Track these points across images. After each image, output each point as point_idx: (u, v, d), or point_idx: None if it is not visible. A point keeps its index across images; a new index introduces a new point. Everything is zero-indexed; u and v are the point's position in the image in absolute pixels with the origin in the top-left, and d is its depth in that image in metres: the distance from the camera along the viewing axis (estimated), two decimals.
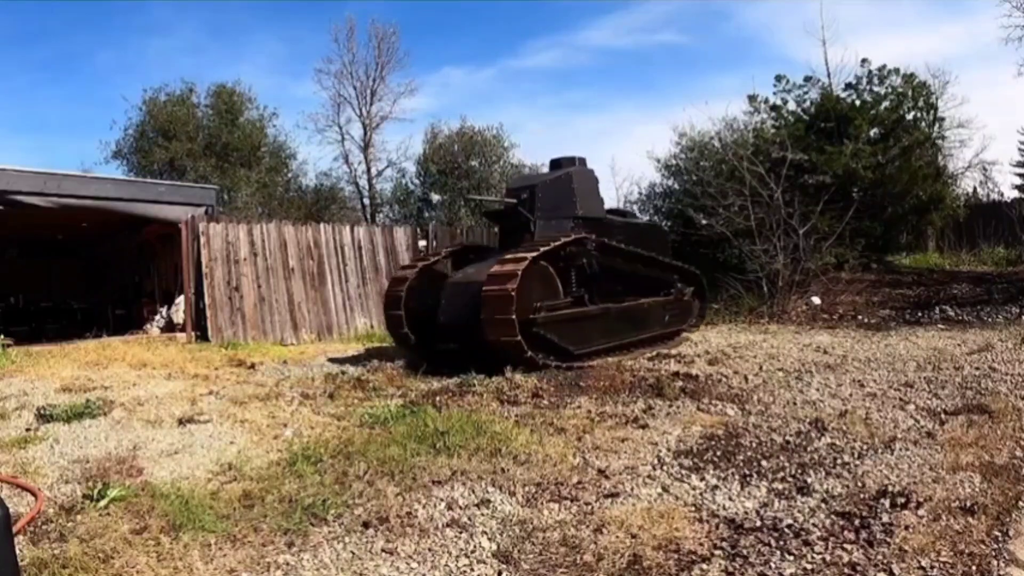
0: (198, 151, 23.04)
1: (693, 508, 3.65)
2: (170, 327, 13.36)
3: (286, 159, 26.10)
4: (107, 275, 19.09)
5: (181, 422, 5.58)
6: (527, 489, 3.95)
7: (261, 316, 12.92)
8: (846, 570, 2.92)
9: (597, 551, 3.15)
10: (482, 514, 3.64)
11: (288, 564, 3.12)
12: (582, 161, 9.82)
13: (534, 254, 7.77)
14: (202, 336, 12.43)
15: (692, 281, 10.59)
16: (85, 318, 16.75)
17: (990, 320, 10.95)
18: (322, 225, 14.61)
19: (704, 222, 15.73)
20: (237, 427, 5.49)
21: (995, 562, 2.96)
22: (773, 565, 2.99)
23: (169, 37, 40.57)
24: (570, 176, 9.25)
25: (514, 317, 7.26)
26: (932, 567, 2.91)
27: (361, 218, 25.69)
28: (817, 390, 6.38)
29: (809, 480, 3.99)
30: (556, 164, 9.74)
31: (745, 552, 3.11)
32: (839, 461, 4.30)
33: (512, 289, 7.24)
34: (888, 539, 3.16)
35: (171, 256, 14.14)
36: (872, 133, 16.80)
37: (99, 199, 12.64)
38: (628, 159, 58.55)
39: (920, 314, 11.90)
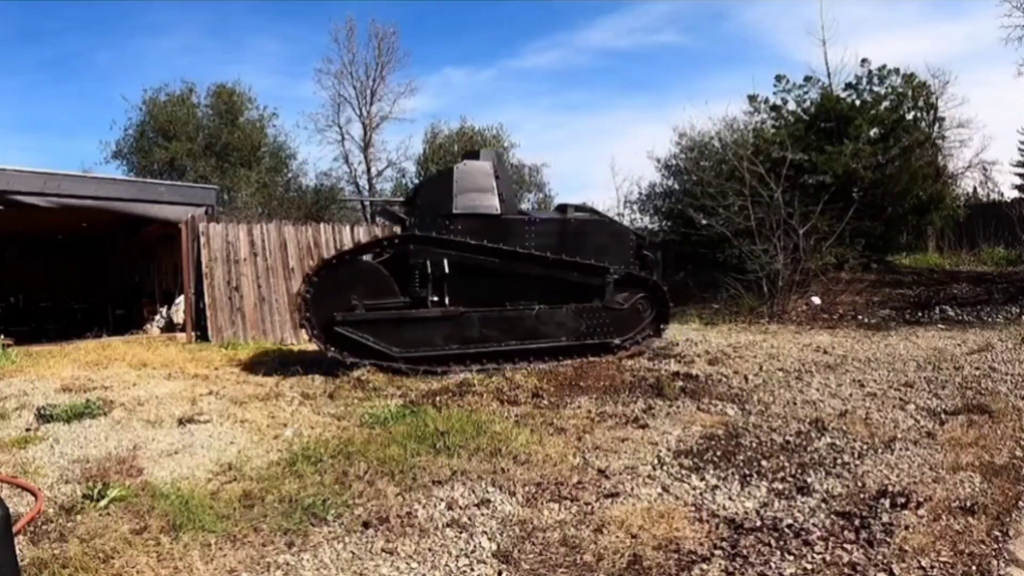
0: (198, 151, 23.06)
1: (693, 508, 3.65)
2: (170, 327, 13.36)
3: (286, 159, 26.14)
4: (107, 275, 19.09)
5: (181, 422, 5.58)
6: (527, 489, 3.95)
7: (261, 316, 12.92)
8: (846, 570, 2.92)
9: (597, 551, 3.15)
10: (482, 514, 3.64)
11: (288, 564, 3.12)
12: (499, 157, 9.39)
13: (334, 256, 8.06)
14: (202, 336, 12.43)
15: (643, 288, 9.09)
16: (85, 318, 16.74)
17: (990, 320, 10.95)
18: (322, 225, 14.61)
19: (704, 222, 15.72)
20: (237, 427, 5.49)
21: (995, 562, 2.96)
22: (773, 565, 2.99)
23: (169, 37, 40.66)
24: (450, 173, 8.92)
25: (309, 315, 7.60)
26: (932, 567, 2.91)
27: (361, 218, 25.71)
28: (817, 390, 6.38)
29: (809, 480, 3.99)
30: (470, 156, 9.30)
31: (745, 552, 3.11)
32: (839, 461, 4.31)
33: (304, 291, 7.67)
34: (888, 539, 3.16)
35: (171, 256, 14.13)
36: (872, 133, 16.79)
37: (99, 199, 12.63)
38: (628, 159, 58.64)
39: (920, 314, 11.90)
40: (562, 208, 9.62)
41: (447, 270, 8.10)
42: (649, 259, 9.61)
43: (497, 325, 8.26)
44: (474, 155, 9.21)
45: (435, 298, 8.11)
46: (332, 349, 7.65)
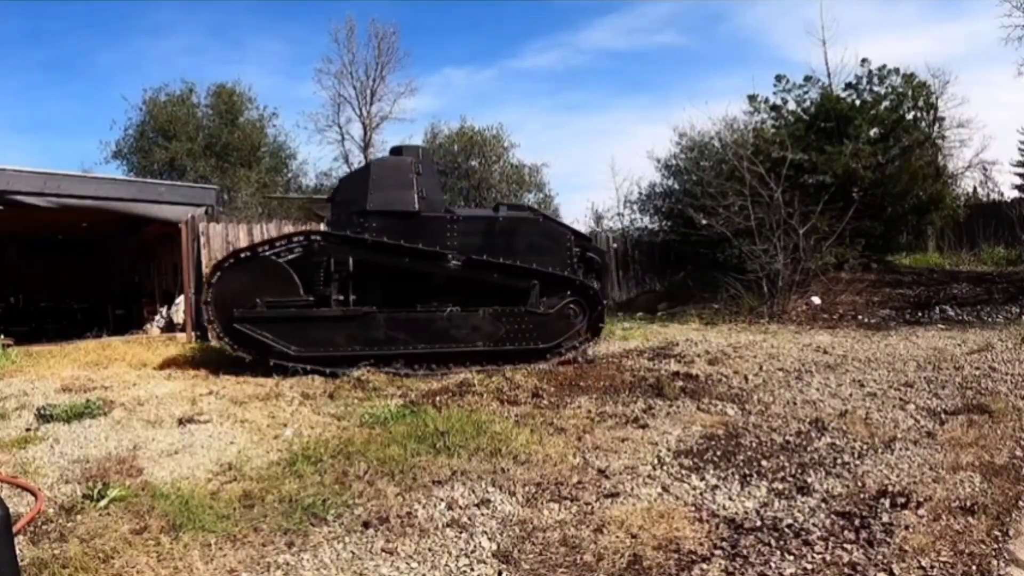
0: (198, 151, 23.06)
1: (693, 508, 3.65)
2: (170, 327, 13.35)
3: (286, 159, 26.14)
4: (107, 275, 19.09)
5: (181, 422, 5.58)
6: (527, 489, 3.95)
7: None
8: (846, 570, 2.92)
9: (597, 551, 3.15)
10: (482, 514, 3.64)
11: (288, 564, 3.12)
12: (426, 153, 9.21)
13: (233, 254, 8.15)
14: (202, 336, 12.42)
15: (575, 291, 8.47)
16: (85, 318, 16.73)
17: (990, 320, 10.95)
18: (322, 225, 14.59)
19: (704, 222, 15.72)
20: (237, 427, 5.49)
21: (995, 562, 2.96)
22: (773, 565, 2.99)
23: (169, 37, 40.69)
24: (367, 170, 8.78)
25: (211, 316, 7.81)
26: (932, 567, 2.91)
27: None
28: (817, 390, 6.39)
29: (809, 480, 3.99)
30: (394, 152, 9.12)
31: (745, 552, 3.11)
32: (839, 461, 4.31)
33: (207, 290, 7.85)
34: (888, 539, 3.16)
35: (171, 256, 14.13)
36: (872, 133, 16.78)
37: (99, 199, 12.63)
38: (628, 159, 58.67)
39: (920, 314, 11.91)
40: (496, 207, 9.33)
41: (351, 269, 7.94)
42: (595, 262, 9.14)
43: (405, 327, 7.94)
44: (399, 151, 8.97)
45: (340, 297, 7.94)
46: (235, 347, 7.72)
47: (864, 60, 17.17)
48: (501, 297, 8.26)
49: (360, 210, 8.27)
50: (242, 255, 8.10)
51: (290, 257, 8.17)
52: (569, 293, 8.46)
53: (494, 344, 8.11)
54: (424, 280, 8.15)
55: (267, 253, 8.09)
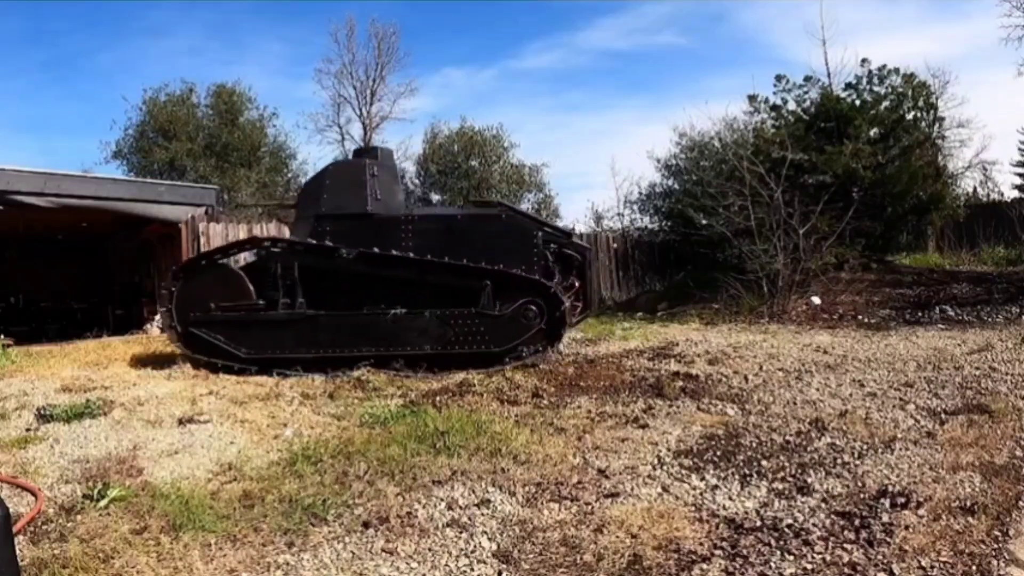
0: (198, 151, 23.07)
1: (693, 508, 3.65)
2: None
3: (286, 159, 26.16)
4: (107, 275, 19.08)
5: (181, 422, 5.57)
6: (527, 489, 3.95)
7: None
8: (846, 570, 2.92)
9: (597, 551, 3.15)
10: (482, 514, 3.64)
11: (288, 564, 3.12)
12: (386, 154, 9.20)
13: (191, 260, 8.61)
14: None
15: (534, 292, 8.00)
16: (85, 318, 16.74)
17: (990, 320, 10.95)
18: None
19: (704, 222, 15.72)
20: (237, 427, 5.49)
21: (995, 562, 2.96)
22: (773, 565, 2.99)
23: (169, 37, 40.72)
24: (324, 173, 8.86)
25: (172, 320, 8.11)
26: (932, 567, 2.91)
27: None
28: (817, 390, 6.38)
29: (809, 480, 3.99)
30: (356, 154, 9.21)
31: (745, 552, 3.11)
32: (839, 461, 4.30)
33: (167, 295, 8.17)
34: (888, 539, 3.16)
35: (171, 256, 14.11)
36: (872, 133, 16.78)
37: (99, 199, 12.64)
38: (628, 159, 58.69)
39: (920, 314, 11.90)
40: (463, 205, 9.28)
41: (297, 273, 8.07)
42: (575, 260, 8.87)
43: (350, 330, 7.95)
44: (359, 153, 9.07)
45: (287, 300, 8.06)
46: (189, 350, 8.03)
47: (864, 60, 17.17)
48: (455, 299, 8.03)
49: (316, 214, 8.42)
50: (201, 262, 8.52)
51: (248, 263, 8.62)
52: (527, 294, 8.04)
53: (442, 347, 7.93)
54: (377, 283, 8.08)
55: (222, 260, 8.46)
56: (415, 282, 8.04)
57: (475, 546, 3.27)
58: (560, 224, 16.06)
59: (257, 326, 8.01)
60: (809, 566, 2.97)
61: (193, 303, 8.03)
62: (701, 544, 3.21)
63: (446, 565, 3.10)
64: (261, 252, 8.45)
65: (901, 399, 5.89)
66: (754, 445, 4.73)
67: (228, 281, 8.14)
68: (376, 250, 8.05)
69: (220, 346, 7.90)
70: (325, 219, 8.31)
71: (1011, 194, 21.60)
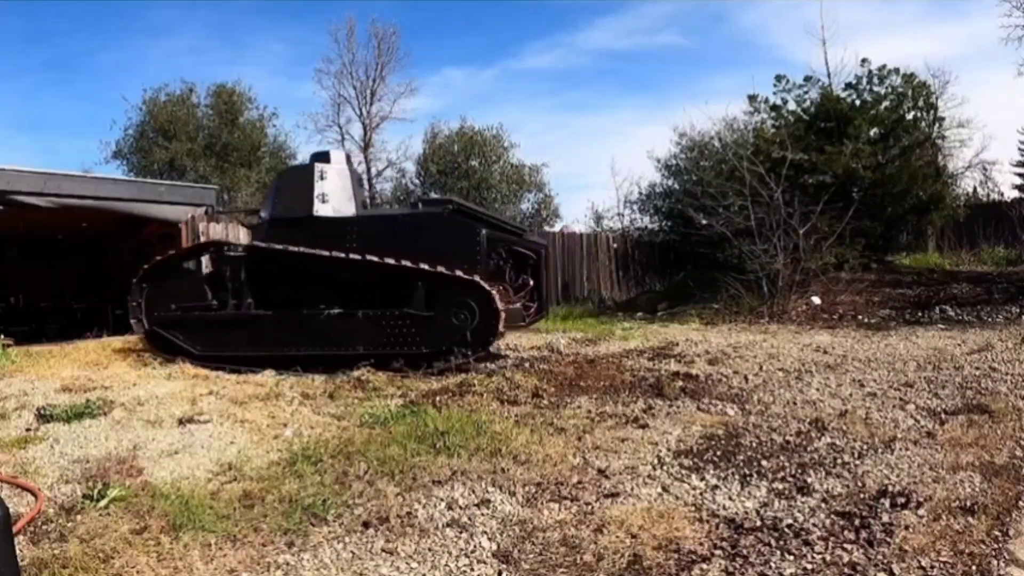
0: (198, 151, 23.10)
1: (693, 508, 3.65)
2: None
3: (286, 159, 26.16)
4: (107, 275, 19.05)
5: (181, 422, 5.57)
6: (527, 489, 3.95)
7: None
8: (846, 570, 2.92)
9: (597, 551, 3.15)
10: (482, 514, 3.64)
11: (288, 564, 3.12)
12: (340, 158, 9.29)
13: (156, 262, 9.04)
14: None
15: (467, 293, 7.77)
16: (85, 318, 16.71)
17: (990, 320, 10.95)
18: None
19: (704, 222, 15.72)
20: (237, 427, 5.49)
21: (995, 562, 2.96)
22: (773, 565, 2.99)
23: (169, 37, 40.76)
24: (279, 177, 9.38)
25: (140, 317, 8.86)
26: (932, 567, 2.91)
27: None
28: (817, 390, 6.38)
29: (809, 480, 3.99)
30: (312, 159, 9.22)
31: (745, 552, 3.11)
32: (839, 461, 4.30)
33: (135, 295, 8.89)
34: (888, 539, 3.16)
35: None
36: (872, 133, 16.79)
37: (99, 199, 12.64)
38: (628, 159, 58.81)
39: (920, 314, 11.90)
40: (415, 203, 9.45)
41: (244, 275, 8.54)
42: (529, 259, 8.79)
43: (291, 329, 8.20)
44: (315, 157, 9.15)
45: (235, 301, 8.58)
46: (153, 347, 8.69)
47: (864, 60, 17.19)
48: (392, 300, 7.99)
49: (270, 217, 8.94)
50: (164, 263, 9.07)
51: (206, 265, 9.15)
52: (462, 295, 7.80)
53: (375, 348, 7.87)
54: (321, 284, 8.33)
55: (187, 264, 9.23)
56: (356, 283, 8.19)
57: (475, 546, 3.27)
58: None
59: (209, 325, 8.60)
60: (809, 566, 2.97)
61: (158, 303, 8.77)
62: (701, 544, 3.21)
63: (446, 565, 3.10)
64: (213, 255, 9.01)
65: (901, 399, 5.89)
66: (754, 445, 4.72)
67: (187, 282, 8.90)
68: (300, 249, 8.29)
69: (179, 344, 8.52)
70: (276, 222, 8.77)
71: (1011, 194, 21.64)
